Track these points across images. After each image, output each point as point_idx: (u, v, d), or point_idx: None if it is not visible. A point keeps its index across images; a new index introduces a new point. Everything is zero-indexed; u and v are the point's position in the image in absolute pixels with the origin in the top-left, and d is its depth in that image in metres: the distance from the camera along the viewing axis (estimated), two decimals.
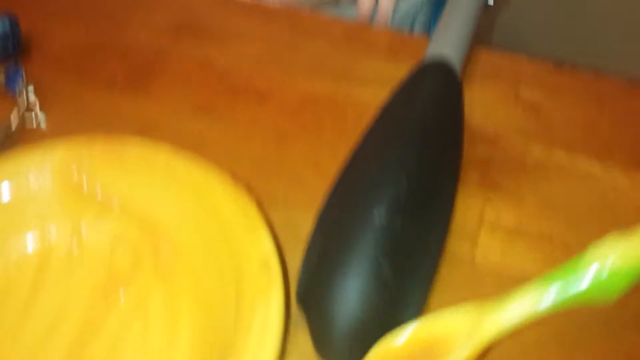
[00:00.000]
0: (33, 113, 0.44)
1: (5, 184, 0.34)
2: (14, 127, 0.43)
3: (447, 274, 0.33)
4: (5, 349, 0.30)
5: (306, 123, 0.44)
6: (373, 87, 0.46)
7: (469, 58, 0.44)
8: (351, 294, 0.28)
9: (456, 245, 0.35)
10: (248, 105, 0.45)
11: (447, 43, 0.41)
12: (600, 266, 0.28)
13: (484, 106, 0.45)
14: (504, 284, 0.33)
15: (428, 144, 0.35)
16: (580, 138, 0.42)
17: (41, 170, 0.34)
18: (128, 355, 0.30)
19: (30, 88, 0.46)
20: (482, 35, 0.49)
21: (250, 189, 0.34)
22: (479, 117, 0.44)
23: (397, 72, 0.46)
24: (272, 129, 0.43)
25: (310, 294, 0.30)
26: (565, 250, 0.35)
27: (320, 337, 0.30)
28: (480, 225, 0.36)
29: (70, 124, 0.44)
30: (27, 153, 0.35)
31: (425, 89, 0.38)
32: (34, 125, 0.44)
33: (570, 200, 0.38)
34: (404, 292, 0.30)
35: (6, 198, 0.33)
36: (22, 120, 0.44)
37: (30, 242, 0.33)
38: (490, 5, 0.48)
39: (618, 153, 0.41)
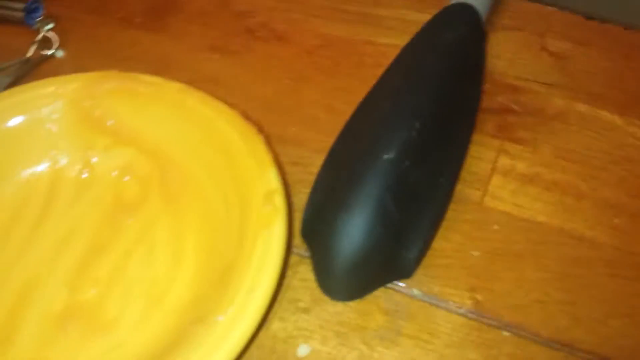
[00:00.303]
0: (51, 49, 0.44)
1: (19, 114, 0.34)
2: (31, 62, 0.43)
3: (456, 217, 0.33)
4: (13, 264, 0.31)
5: (323, 66, 0.43)
6: (393, 34, 0.45)
7: (496, 6, 0.43)
8: (354, 229, 0.28)
9: (467, 189, 0.35)
10: (264, 46, 0.45)
11: None
12: None
13: (508, 55, 0.44)
14: (511, 228, 0.33)
15: (445, 89, 0.34)
16: (604, 91, 0.41)
17: (55, 102, 0.34)
18: (132, 275, 0.30)
19: (50, 24, 0.46)
20: None
21: (262, 128, 0.34)
22: (502, 65, 0.43)
23: (419, 19, 0.45)
24: (288, 71, 0.43)
25: (314, 229, 0.30)
26: (577, 198, 0.34)
27: (322, 271, 0.30)
28: (493, 172, 0.36)
29: (87, 60, 0.44)
30: (42, 85, 0.35)
31: (446, 32, 0.37)
32: (51, 60, 0.44)
33: (587, 151, 0.37)
34: (407, 231, 0.30)
35: (19, 127, 0.34)
36: (40, 55, 0.44)
37: (42, 168, 0.34)
38: None
39: None
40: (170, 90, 0.34)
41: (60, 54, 0.44)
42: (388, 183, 0.29)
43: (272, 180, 0.29)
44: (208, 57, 0.44)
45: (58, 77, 0.35)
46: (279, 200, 0.28)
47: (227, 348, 0.24)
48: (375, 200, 0.29)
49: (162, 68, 0.43)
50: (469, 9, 0.38)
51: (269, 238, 0.27)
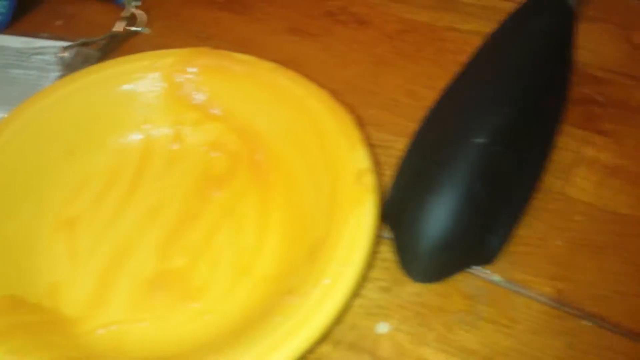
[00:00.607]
0: (137, 25, 0.46)
1: (116, 85, 0.35)
2: (119, 37, 0.44)
3: (539, 207, 0.33)
4: (106, 229, 0.32)
5: (403, 51, 0.43)
6: (476, 20, 0.45)
7: None
8: (442, 211, 0.29)
9: (551, 180, 0.34)
10: (344, 29, 0.45)
11: None
12: None
13: (592, 46, 0.43)
14: (594, 219, 0.33)
15: (535, 76, 0.34)
16: None
17: (150, 75, 0.35)
18: (220, 246, 0.31)
19: (137, 1, 0.47)
20: None
21: (352, 109, 0.34)
22: (586, 56, 0.42)
23: (501, 6, 0.45)
24: (368, 55, 0.43)
25: (400, 211, 0.31)
26: None
27: (406, 252, 0.30)
28: (578, 163, 0.35)
29: (171, 38, 0.45)
30: (138, 59, 0.36)
31: (537, 19, 0.37)
32: (137, 37, 0.45)
33: None
34: (494, 216, 0.30)
35: (115, 98, 0.35)
36: (127, 31, 0.45)
37: (135, 138, 0.35)
38: None
39: None
40: (262, 69, 0.34)
41: (146, 30, 0.46)
42: (478, 167, 0.29)
43: (363, 159, 0.30)
44: (289, 39, 0.45)
45: (153, 52, 0.36)
46: (370, 180, 0.29)
47: (320, 318, 0.24)
48: (465, 184, 0.29)
49: (243, 49, 0.43)
50: None
51: (360, 216, 0.27)
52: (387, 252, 0.32)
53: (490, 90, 0.33)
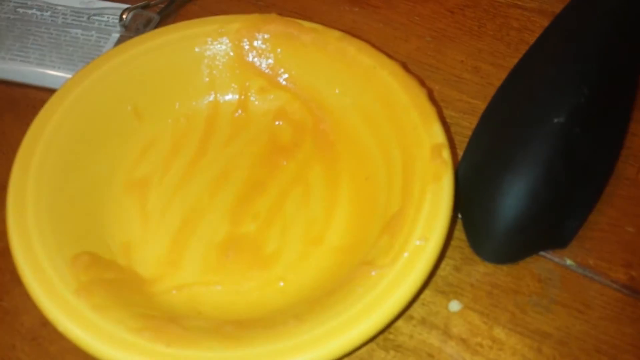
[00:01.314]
0: None
1: (182, 49, 0.34)
2: (176, 1, 0.44)
3: (611, 193, 0.32)
4: (175, 193, 0.32)
5: (466, 27, 0.42)
6: None
7: None
8: (520, 191, 0.28)
9: (621, 164, 0.34)
10: (405, 2, 0.44)
11: None
12: None
13: None
14: None
15: (611, 57, 0.33)
16: None
17: (217, 40, 0.35)
18: (289, 214, 0.31)
19: None
20: None
21: (423, 82, 0.34)
22: None
23: None
24: (430, 29, 0.42)
25: (472, 190, 0.30)
26: None
27: (479, 232, 0.30)
28: None
29: (228, 4, 0.44)
30: (206, 23, 0.35)
31: (608, 1, 0.36)
32: (194, 2, 0.45)
33: None
34: (571, 200, 0.29)
35: (181, 62, 0.34)
36: None
37: (200, 104, 0.35)
38: None
39: None
40: (331, 38, 0.34)
41: None
42: (557, 147, 0.29)
43: (438, 134, 0.29)
44: (348, 9, 0.44)
45: (221, 17, 0.35)
46: (447, 155, 0.28)
47: (404, 291, 0.24)
48: (544, 164, 0.28)
49: (304, 18, 0.43)
50: None
51: (438, 191, 0.27)
52: (457, 230, 0.31)
53: (567, 68, 0.32)
